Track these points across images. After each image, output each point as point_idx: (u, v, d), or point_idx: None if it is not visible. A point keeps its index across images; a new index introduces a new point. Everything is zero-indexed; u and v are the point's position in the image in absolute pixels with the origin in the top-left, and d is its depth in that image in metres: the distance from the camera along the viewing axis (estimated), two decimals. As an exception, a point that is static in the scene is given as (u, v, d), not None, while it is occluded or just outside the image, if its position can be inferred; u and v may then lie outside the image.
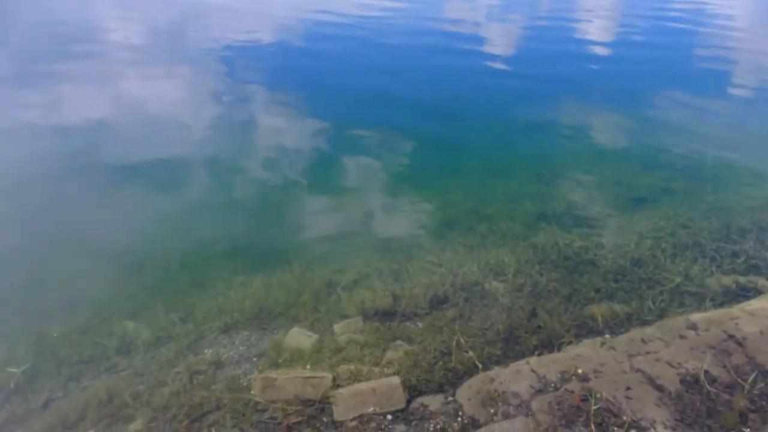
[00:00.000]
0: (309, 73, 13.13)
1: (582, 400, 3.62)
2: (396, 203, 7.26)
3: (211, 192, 7.55)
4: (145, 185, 7.58)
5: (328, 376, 4.04)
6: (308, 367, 4.25)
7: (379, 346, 4.44)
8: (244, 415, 3.83)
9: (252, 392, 4.03)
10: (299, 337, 4.62)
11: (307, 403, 3.86)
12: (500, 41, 16.76)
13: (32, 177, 7.64)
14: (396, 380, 3.96)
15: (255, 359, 4.51)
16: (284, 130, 9.61)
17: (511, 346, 4.44)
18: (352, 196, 7.40)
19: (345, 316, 4.95)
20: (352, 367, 4.14)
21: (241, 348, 4.69)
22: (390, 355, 4.31)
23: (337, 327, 4.79)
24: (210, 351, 4.66)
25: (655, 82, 12.62)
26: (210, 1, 23.52)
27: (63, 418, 3.95)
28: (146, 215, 6.82)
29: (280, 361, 4.38)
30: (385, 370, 4.12)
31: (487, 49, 15.56)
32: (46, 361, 4.60)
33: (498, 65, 13.92)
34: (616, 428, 3.28)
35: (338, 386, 3.96)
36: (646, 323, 4.64)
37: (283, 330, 4.82)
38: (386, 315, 4.94)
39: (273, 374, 4.14)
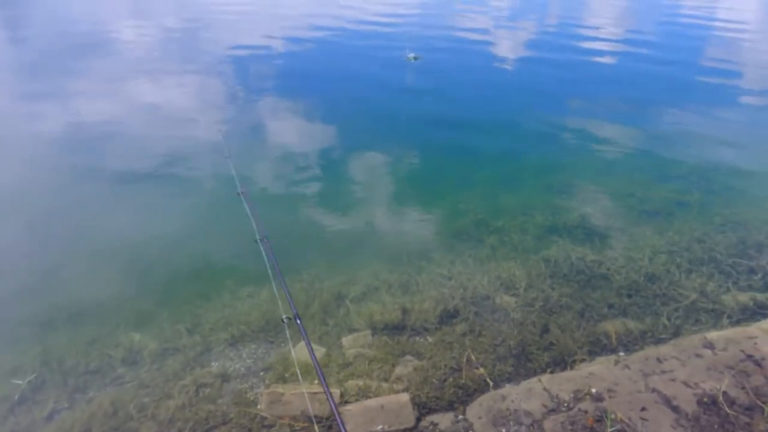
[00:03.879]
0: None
1: (596, 421, 3.54)
2: (403, 214, 7.17)
3: (213, 200, 7.50)
4: (150, 193, 7.57)
5: (336, 391, 3.97)
6: (316, 382, 4.17)
7: (388, 362, 4.36)
8: (250, 430, 3.77)
9: (259, 407, 3.97)
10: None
11: (315, 419, 3.79)
12: (507, 45, 16.72)
13: (39, 182, 7.67)
14: (405, 397, 3.89)
15: (262, 373, 4.44)
16: (292, 136, 9.61)
17: (523, 363, 4.35)
18: (359, 207, 7.32)
19: (353, 330, 4.87)
20: (360, 382, 4.07)
21: (248, 361, 4.62)
22: (399, 370, 4.23)
23: (346, 340, 4.71)
24: (217, 364, 4.60)
25: (667, 89, 12.51)
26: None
27: (68, 431, 3.90)
28: (150, 224, 6.79)
29: (287, 375, 4.31)
30: (394, 386, 4.05)
31: (496, 50, 15.54)
32: (51, 371, 4.55)
33: (505, 66, 13.89)
34: (632, 452, 3.20)
35: (346, 402, 3.89)
36: (660, 341, 4.54)
37: (291, 343, 4.74)
38: (395, 329, 4.85)
39: (280, 389, 4.08)
